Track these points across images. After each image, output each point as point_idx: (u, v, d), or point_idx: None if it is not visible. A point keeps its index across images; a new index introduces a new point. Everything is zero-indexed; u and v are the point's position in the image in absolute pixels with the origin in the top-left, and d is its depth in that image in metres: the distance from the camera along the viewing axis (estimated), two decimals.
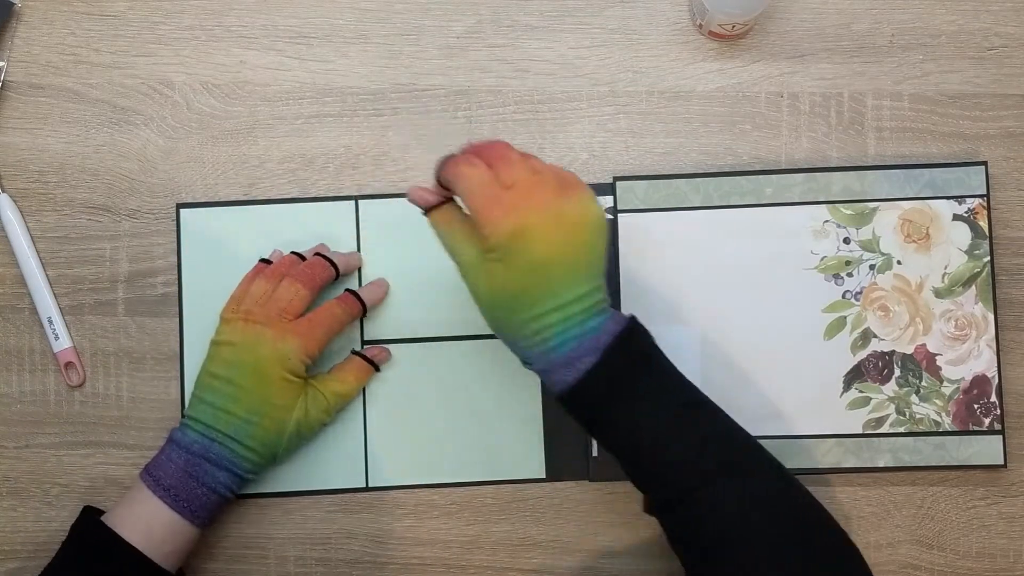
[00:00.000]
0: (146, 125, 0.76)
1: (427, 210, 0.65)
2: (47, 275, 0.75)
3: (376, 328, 0.75)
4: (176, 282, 0.75)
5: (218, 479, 0.68)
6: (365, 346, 0.75)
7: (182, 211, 0.76)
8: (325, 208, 0.75)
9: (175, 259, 0.75)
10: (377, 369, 0.74)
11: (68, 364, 0.75)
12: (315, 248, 0.74)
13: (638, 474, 0.63)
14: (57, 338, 0.74)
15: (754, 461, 0.62)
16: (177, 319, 0.75)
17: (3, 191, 0.76)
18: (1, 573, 0.74)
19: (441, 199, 0.64)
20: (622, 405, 0.61)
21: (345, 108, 0.76)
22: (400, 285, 0.75)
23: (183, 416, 0.71)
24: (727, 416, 0.63)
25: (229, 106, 0.76)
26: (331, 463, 0.74)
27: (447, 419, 0.74)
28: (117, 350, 0.75)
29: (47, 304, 0.75)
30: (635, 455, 0.62)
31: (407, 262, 0.75)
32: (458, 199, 0.63)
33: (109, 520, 0.66)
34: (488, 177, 0.61)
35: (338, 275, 0.73)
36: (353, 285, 0.75)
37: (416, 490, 0.74)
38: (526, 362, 0.63)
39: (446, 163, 0.63)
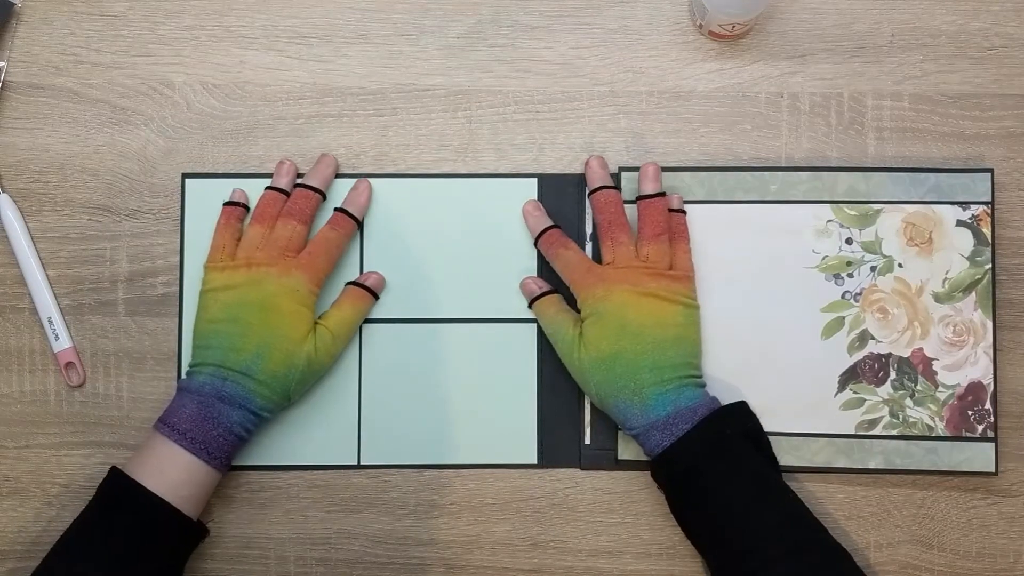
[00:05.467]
0: (146, 125, 0.76)
1: (532, 300, 0.73)
2: (47, 275, 0.75)
3: (377, 308, 0.75)
4: (177, 281, 0.75)
5: (232, 418, 0.68)
6: (360, 275, 0.75)
7: (187, 181, 0.76)
8: (334, 185, 0.75)
9: (175, 259, 0.75)
10: (375, 296, 0.74)
11: (68, 364, 0.75)
12: (285, 169, 0.74)
13: (709, 545, 0.67)
14: (57, 338, 0.75)
15: (822, 546, 0.66)
16: (177, 319, 0.75)
17: (3, 191, 0.76)
18: (1, 573, 0.74)
19: (546, 291, 0.73)
20: (707, 477, 0.66)
21: (345, 108, 0.76)
22: (404, 265, 0.75)
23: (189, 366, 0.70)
24: (799, 500, 0.67)
25: (229, 106, 0.76)
26: (323, 439, 0.74)
27: (441, 401, 0.75)
28: (117, 350, 0.75)
29: (47, 304, 0.75)
30: (711, 527, 0.67)
31: (411, 241, 0.75)
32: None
33: (127, 470, 0.67)
34: (580, 256, 0.71)
35: (324, 197, 0.74)
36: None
37: (416, 491, 0.74)
38: (628, 427, 0.69)
39: (541, 239, 0.72)
